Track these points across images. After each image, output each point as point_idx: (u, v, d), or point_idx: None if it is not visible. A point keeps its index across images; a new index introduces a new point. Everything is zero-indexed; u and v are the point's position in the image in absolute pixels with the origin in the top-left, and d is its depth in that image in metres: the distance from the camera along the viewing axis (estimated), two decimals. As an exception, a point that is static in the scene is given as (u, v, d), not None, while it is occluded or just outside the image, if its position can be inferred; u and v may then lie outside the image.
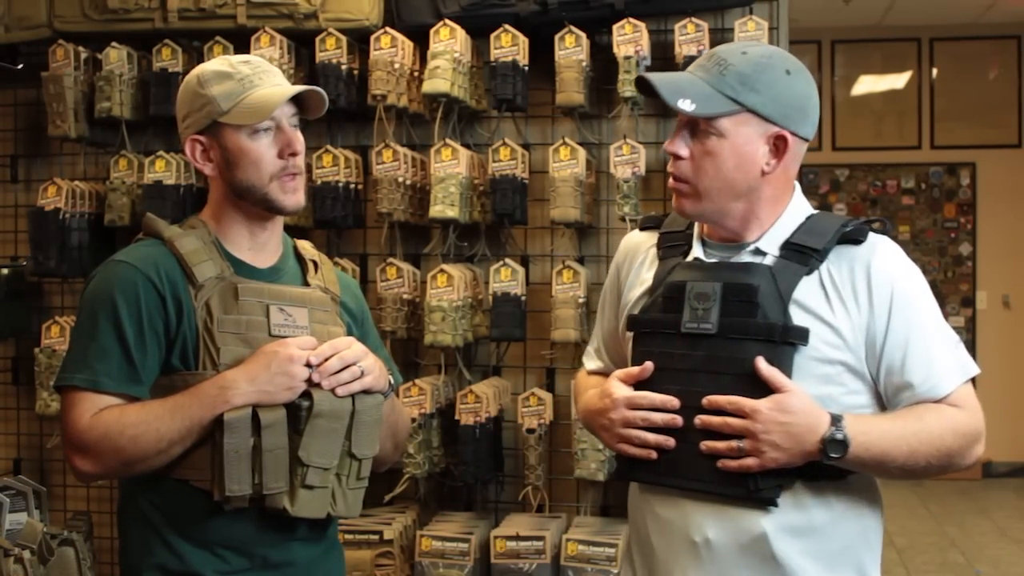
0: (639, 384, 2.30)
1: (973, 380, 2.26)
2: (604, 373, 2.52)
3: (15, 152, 4.83)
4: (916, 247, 10.16)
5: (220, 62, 2.39)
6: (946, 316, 2.43)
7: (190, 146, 2.40)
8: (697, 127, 2.23)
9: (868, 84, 10.33)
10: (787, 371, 2.16)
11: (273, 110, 2.29)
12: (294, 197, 2.35)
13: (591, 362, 2.62)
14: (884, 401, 2.24)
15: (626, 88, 3.95)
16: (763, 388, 2.15)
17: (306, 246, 2.54)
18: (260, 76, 2.35)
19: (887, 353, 2.20)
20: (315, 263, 2.49)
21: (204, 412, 2.19)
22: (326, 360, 2.25)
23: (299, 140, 2.35)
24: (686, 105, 2.19)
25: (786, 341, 2.17)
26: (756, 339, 2.18)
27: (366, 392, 2.31)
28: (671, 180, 2.30)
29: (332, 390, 2.25)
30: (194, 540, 2.27)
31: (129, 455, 2.20)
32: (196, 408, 2.19)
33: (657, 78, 2.25)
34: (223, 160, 2.35)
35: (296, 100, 2.36)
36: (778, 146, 2.23)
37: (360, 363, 2.29)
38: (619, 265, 2.52)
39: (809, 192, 10.01)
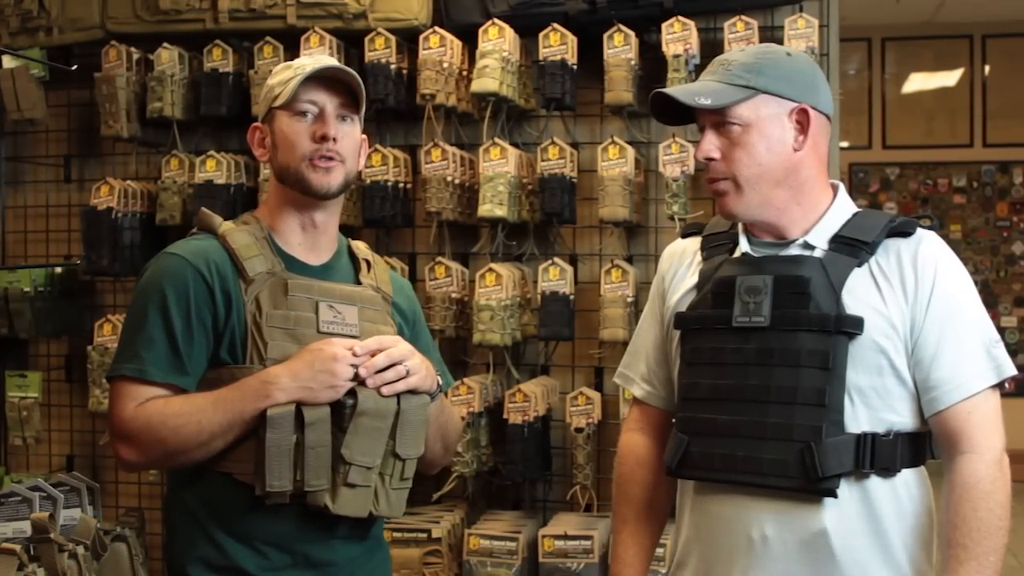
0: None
1: (1002, 384, 2.25)
2: (653, 405, 2.52)
3: (69, 152, 4.88)
4: (968, 246, 10.07)
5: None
6: (998, 316, 2.41)
7: (250, 133, 2.47)
8: (720, 125, 2.25)
9: (919, 82, 10.25)
10: (842, 360, 2.16)
11: (295, 86, 2.32)
12: (323, 178, 2.34)
13: (637, 388, 2.57)
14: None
15: (675, 87, 3.93)
16: (819, 378, 2.15)
17: (360, 246, 2.55)
18: (316, 65, 2.37)
19: (920, 346, 2.20)
20: (368, 262, 2.50)
21: (246, 406, 2.20)
22: (372, 356, 2.26)
23: (335, 127, 2.35)
24: (703, 101, 2.22)
25: (840, 331, 2.17)
26: (809, 330, 2.18)
27: (412, 392, 2.31)
28: (710, 185, 2.30)
29: (377, 389, 2.25)
30: (236, 535, 2.28)
31: (171, 445, 2.22)
32: (238, 402, 2.20)
33: (670, 89, 2.29)
34: (273, 144, 2.39)
35: (347, 92, 2.37)
36: (801, 122, 2.25)
37: (406, 362, 2.28)
38: (663, 273, 2.51)
39: (859, 191, 9.95)
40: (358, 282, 2.45)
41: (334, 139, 2.34)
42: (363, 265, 2.49)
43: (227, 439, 2.22)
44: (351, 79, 2.37)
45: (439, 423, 2.46)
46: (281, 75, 2.39)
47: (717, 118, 2.25)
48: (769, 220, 2.29)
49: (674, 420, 2.38)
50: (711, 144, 2.26)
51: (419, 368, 2.31)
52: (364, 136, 2.48)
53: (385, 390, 2.25)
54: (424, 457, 2.43)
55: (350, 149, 2.39)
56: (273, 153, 2.40)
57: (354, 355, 2.23)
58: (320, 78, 2.35)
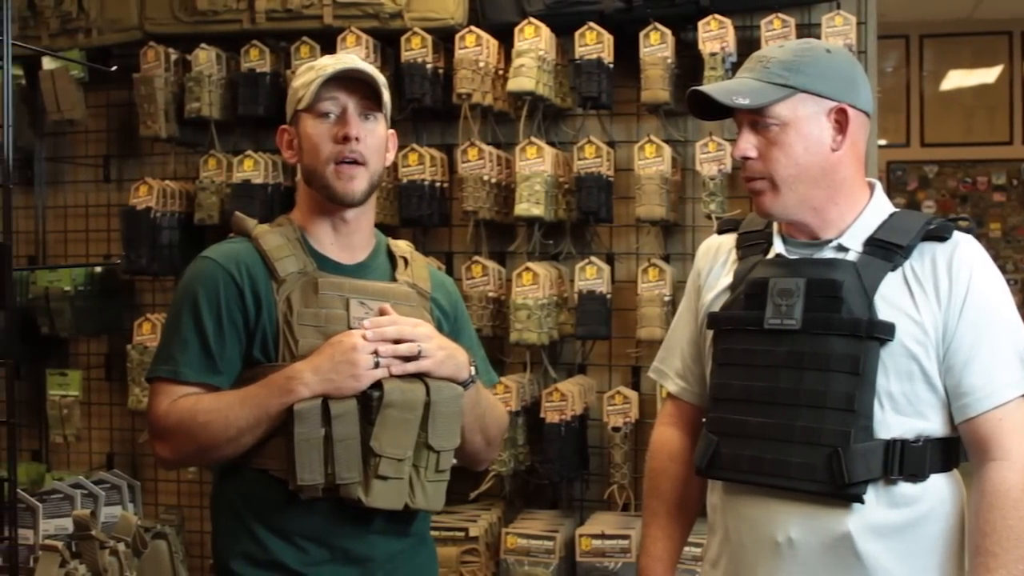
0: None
1: None
2: (686, 401, 2.53)
3: (108, 152, 4.92)
4: (1008, 244, 9.98)
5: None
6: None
7: (278, 135, 2.49)
8: (757, 123, 2.24)
9: (957, 79, 10.18)
10: (873, 365, 2.15)
11: (316, 88, 2.34)
12: (347, 185, 2.35)
13: (671, 383, 2.57)
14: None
15: (713, 85, 3.92)
16: (849, 383, 2.15)
17: (401, 244, 2.56)
18: (335, 65, 2.38)
19: (952, 352, 2.19)
20: (405, 260, 2.51)
21: (270, 402, 2.22)
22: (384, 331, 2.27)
23: (357, 126, 2.35)
24: (741, 100, 2.21)
25: (872, 336, 2.16)
26: (841, 334, 2.17)
27: (443, 382, 2.31)
28: (747, 184, 2.30)
29: (388, 369, 2.26)
30: (275, 530, 2.30)
31: (201, 441, 2.26)
32: (263, 398, 2.23)
33: (707, 88, 2.28)
34: (299, 147, 2.41)
35: (368, 90, 2.38)
36: (840, 121, 2.24)
37: (420, 344, 2.29)
38: (699, 269, 2.51)
39: (897, 189, 9.89)
40: (394, 279, 2.46)
41: (356, 139, 2.34)
42: (400, 262, 2.50)
43: (255, 435, 2.25)
44: (368, 77, 2.38)
45: (475, 414, 2.45)
46: (304, 77, 2.41)
47: (755, 117, 2.24)
48: (805, 220, 2.28)
49: (704, 420, 2.38)
50: (748, 143, 2.25)
51: (434, 352, 2.31)
52: (392, 131, 2.49)
53: (395, 369, 2.25)
54: (465, 449, 2.44)
55: (374, 148, 2.39)
56: (300, 156, 2.42)
57: (364, 338, 2.24)
58: (342, 77, 2.36)
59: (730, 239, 2.46)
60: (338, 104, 2.36)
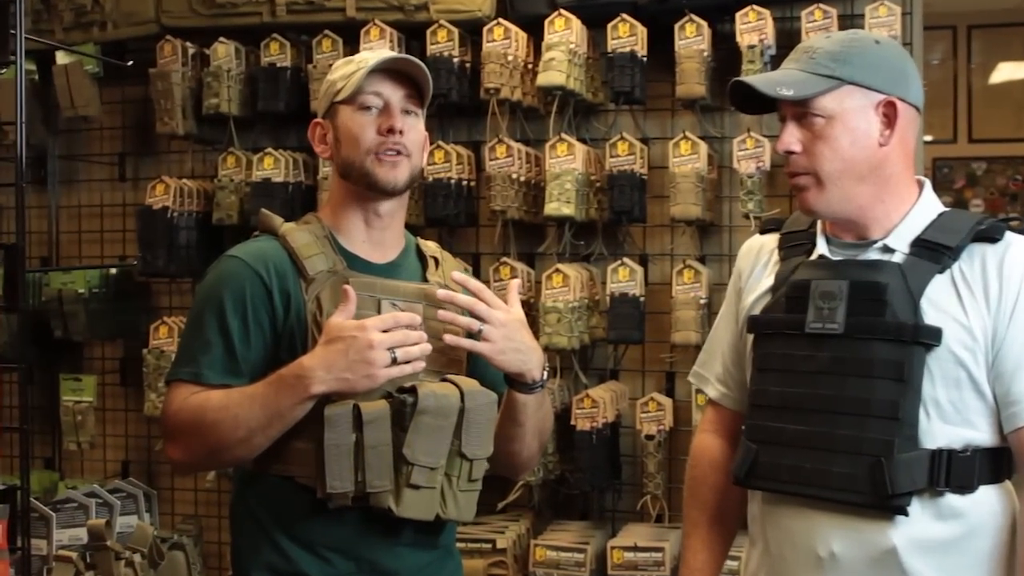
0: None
1: None
2: (727, 407, 2.52)
3: (123, 150, 4.96)
4: (1060, 245, 9.91)
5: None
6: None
7: (311, 129, 2.49)
8: (802, 116, 2.23)
9: (1007, 71, 10.11)
10: (919, 372, 2.14)
11: (360, 79, 2.35)
12: (390, 172, 2.36)
13: (711, 388, 2.56)
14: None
15: (756, 76, 3.91)
16: (893, 390, 2.14)
17: (430, 245, 2.57)
18: (380, 56, 2.39)
19: (1001, 358, 2.17)
20: (436, 260, 2.52)
21: (282, 400, 2.20)
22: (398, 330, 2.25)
23: (401, 120, 2.37)
24: (785, 91, 2.20)
25: (917, 341, 2.15)
26: (885, 339, 2.16)
27: (473, 386, 2.31)
28: (790, 179, 2.29)
29: (433, 381, 2.26)
30: (299, 540, 2.31)
31: (211, 442, 2.25)
32: (273, 396, 2.21)
33: (750, 78, 2.28)
34: (335, 140, 2.42)
35: (411, 85, 2.40)
36: (888, 115, 2.23)
37: (485, 325, 2.28)
38: (740, 270, 2.50)
39: (944, 187, 9.83)
40: (425, 280, 2.47)
41: (400, 132, 2.36)
42: (431, 263, 2.50)
43: (268, 435, 2.24)
44: (416, 71, 2.39)
45: (538, 417, 2.46)
46: (343, 69, 2.42)
47: (799, 109, 2.23)
48: (851, 218, 2.28)
49: (743, 427, 2.37)
50: (792, 136, 2.24)
51: (497, 339, 2.29)
52: (426, 133, 2.50)
53: (408, 367, 2.23)
54: (523, 455, 2.47)
55: (416, 143, 2.41)
56: (336, 149, 2.42)
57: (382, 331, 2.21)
58: (384, 71, 2.38)
59: (772, 239, 2.46)
60: (381, 98, 2.38)
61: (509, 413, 2.42)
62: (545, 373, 2.41)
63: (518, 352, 2.33)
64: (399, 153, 2.36)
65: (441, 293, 2.30)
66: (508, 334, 2.31)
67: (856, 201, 2.25)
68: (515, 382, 2.39)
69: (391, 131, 2.35)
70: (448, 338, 2.28)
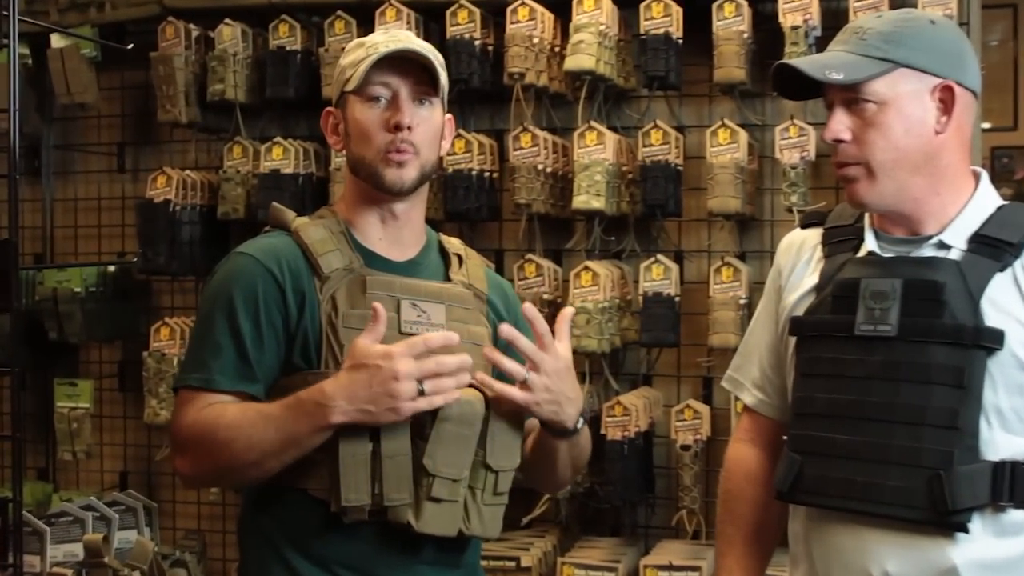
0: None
1: None
2: (765, 415, 2.51)
3: (122, 140, 4.98)
4: None
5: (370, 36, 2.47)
6: None
7: (323, 118, 2.48)
8: (852, 102, 2.21)
9: (1072, 54, 10.08)
10: (979, 378, 2.13)
11: (366, 69, 2.33)
12: (396, 173, 2.34)
13: (747, 394, 2.55)
14: None
15: (803, 58, 3.89)
16: (952, 397, 2.12)
17: (453, 241, 2.56)
18: (388, 43, 2.37)
19: None
20: (460, 257, 2.51)
21: (299, 427, 2.18)
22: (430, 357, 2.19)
23: (410, 113, 2.34)
24: (834, 75, 2.18)
25: (978, 344, 2.13)
26: (942, 342, 2.15)
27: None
28: (838, 170, 2.27)
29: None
30: (312, 558, 2.29)
31: (222, 460, 2.24)
32: (291, 421, 2.19)
33: (796, 61, 2.26)
34: (346, 133, 2.41)
35: (424, 72, 2.38)
36: (945, 100, 2.21)
37: (532, 374, 2.23)
38: (780, 268, 2.48)
39: (1002, 178, 9.78)
40: (448, 279, 2.46)
41: (409, 128, 2.34)
42: (454, 260, 2.49)
43: (282, 460, 2.22)
44: (427, 58, 2.37)
45: (572, 454, 2.44)
46: (353, 55, 2.40)
47: (849, 95, 2.21)
48: (904, 211, 2.26)
49: (786, 437, 2.36)
50: (841, 124, 2.22)
51: (539, 391, 2.25)
52: (449, 116, 2.48)
53: (446, 398, 2.18)
54: (554, 481, 2.48)
55: (427, 137, 2.38)
56: (347, 142, 2.41)
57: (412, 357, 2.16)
58: (394, 58, 2.36)
59: (815, 234, 2.44)
60: (389, 88, 2.36)
61: (539, 444, 2.41)
62: (580, 422, 2.37)
63: (553, 403, 2.28)
64: (406, 152, 2.35)
65: (504, 330, 2.24)
66: (551, 385, 2.26)
67: (910, 193, 2.23)
68: (545, 425, 2.36)
69: (398, 127, 2.33)
70: (496, 386, 2.23)
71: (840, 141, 2.23)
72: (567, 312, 2.35)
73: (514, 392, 2.24)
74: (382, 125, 2.34)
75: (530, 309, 2.27)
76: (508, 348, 2.30)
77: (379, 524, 2.25)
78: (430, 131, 2.39)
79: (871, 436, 2.19)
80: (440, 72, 2.39)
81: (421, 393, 2.16)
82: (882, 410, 2.18)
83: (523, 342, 2.24)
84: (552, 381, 2.26)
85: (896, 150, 2.20)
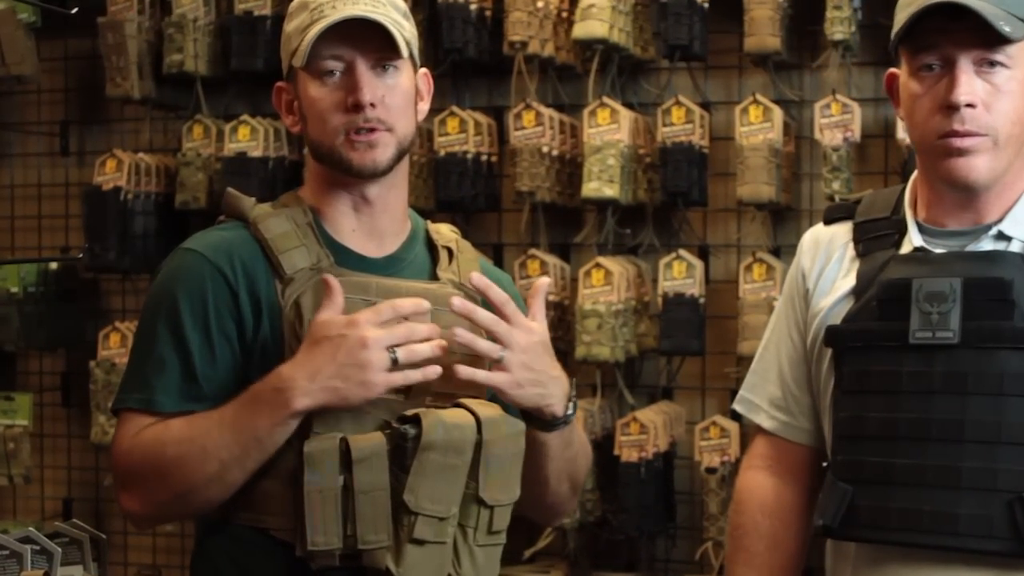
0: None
1: None
2: (786, 439, 2.49)
3: (66, 118, 4.98)
4: None
5: None
6: None
7: (275, 95, 2.42)
8: (984, 63, 2.19)
9: None
10: None
11: (311, 42, 2.25)
12: (366, 155, 2.26)
13: (764, 417, 2.53)
14: None
15: (836, 29, 3.89)
16: None
17: (443, 230, 2.50)
18: (335, 5, 2.31)
19: None
20: (450, 251, 2.46)
21: (258, 421, 2.14)
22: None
23: (370, 87, 2.26)
24: (1006, 27, 2.14)
25: None
26: (1015, 348, 2.14)
27: (493, 412, 2.23)
28: (958, 140, 2.20)
29: (441, 407, 2.19)
30: None
31: (176, 483, 2.19)
32: (248, 417, 2.15)
33: (972, 2, 2.15)
34: (301, 113, 2.35)
35: (382, 35, 2.31)
36: None
37: (505, 352, 2.20)
38: (803, 269, 2.47)
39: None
40: (435, 277, 2.42)
41: (372, 104, 2.28)
42: (443, 255, 2.45)
43: (245, 468, 2.17)
44: (383, 24, 2.26)
45: (566, 458, 2.40)
46: (297, 19, 2.33)
47: (985, 54, 2.18)
48: (990, 194, 2.24)
49: (827, 464, 2.34)
50: (974, 86, 2.18)
51: (516, 369, 2.22)
52: (424, 70, 2.41)
53: (427, 373, 2.15)
54: (547, 501, 2.42)
55: (398, 107, 2.30)
56: (303, 124, 2.36)
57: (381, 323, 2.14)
58: (344, 24, 2.27)
59: (844, 230, 2.43)
60: (343, 60, 2.29)
61: (528, 452, 2.34)
62: (570, 407, 2.34)
63: (537, 384, 2.26)
64: (374, 131, 2.30)
65: (457, 303, 2.20)
66: (528, 362, 2.24)
67: (1008, 174, 2.23)
68: (532, 418, 2.32)
69: (358, 107, 2.28)
70: (463, 371, 2.19)
71: (972, 106, 2.19)
72: (542, 282, 2.31)
73: (489, 376, 2.20)
74: (338, 106, 2.27)
75: (479, 279, 2.24)
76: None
77: (352, 571, 2.20)
78: (400, 99, 2.31)
79: (937, 459, 2.17)
80: (403, 30, 2.30)
81: (395, 363, 2.13)
82: (948, 428, 2.17)
83: (481, 314, 2.19)
84: (530, 358, 2.23)
85: (1019, 123, 2.19)
